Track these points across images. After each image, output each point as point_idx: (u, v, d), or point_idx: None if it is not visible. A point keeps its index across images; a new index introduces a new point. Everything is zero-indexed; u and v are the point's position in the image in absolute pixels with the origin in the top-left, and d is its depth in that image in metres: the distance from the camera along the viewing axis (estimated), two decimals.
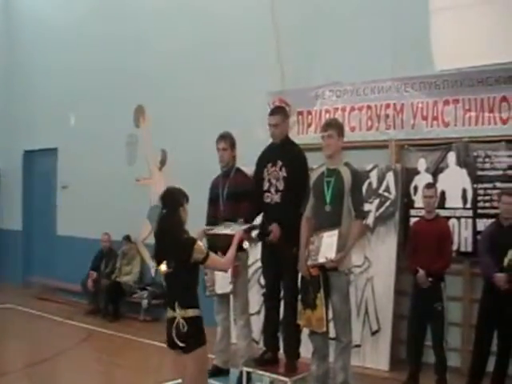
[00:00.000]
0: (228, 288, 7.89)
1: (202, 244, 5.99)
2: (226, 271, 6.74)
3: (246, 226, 7.29)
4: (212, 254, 5.98)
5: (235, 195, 8.14)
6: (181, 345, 5.79)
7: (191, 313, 5.83)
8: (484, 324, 8.05)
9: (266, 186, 7.73)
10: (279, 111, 8.03)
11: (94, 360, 10.45)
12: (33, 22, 17.19)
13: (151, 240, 13.46)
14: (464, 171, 9.19)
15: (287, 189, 7.58)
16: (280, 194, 7.62)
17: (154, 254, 6.20)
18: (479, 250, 8.29)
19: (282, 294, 7.80)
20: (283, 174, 7.62)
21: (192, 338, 5.81)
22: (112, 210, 13.99)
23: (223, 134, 8.49)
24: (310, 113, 10.80)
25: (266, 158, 7.89)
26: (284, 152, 7.76)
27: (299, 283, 7.36)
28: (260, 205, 7.77)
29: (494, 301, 7.84)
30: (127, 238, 13.72)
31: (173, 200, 6.07)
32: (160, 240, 6.07)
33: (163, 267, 5.91)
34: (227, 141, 8.39)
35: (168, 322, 5.92)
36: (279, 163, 7.67)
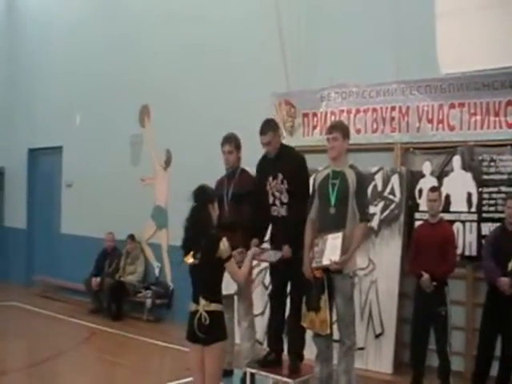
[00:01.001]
0: (232, 289, 7.88)
1: (227, 244, 6.06)
2: (238, 282, 6.80)
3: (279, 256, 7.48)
4: (233, 259, 6.12)
5: (240, 196, 8.13)
6: (201, 336, 5.90)
7: (214, 307, 5.98)
8: (487, 328, 8.05)
9: (270, 199, 7.74)
10: (268, 127, 7.88)
11: (96, 359, 10.47)
12: (37, 23, 17.23)
13: (155, 240, 13.62)
14: (469, 175, 9.17)
15: (292, 201, 7.60)
16: (285, 206, 7.65)
17: (181, 244, 6.27)
18: (483, 254, 8.29)
19: (288, 295, 7.81)
20: (285, 186, 7.63)
21: (213, 331, 5.95)
22: (116, 210, 14.01)
23: (228, 136, 8.46)
24: (315, 115, 10.79)
25: (266, 171, 7.86)
26: (282, 163, 7.73)
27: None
28: (268, 217, 7.83)
29: (498, 305, 7.84)
30: (131, 237, 13.72)
31: (203, 195, 6.24)
32: (188, 231, 6.20)
33: (190, 259, 6.03)
34: (232, 143, 8.37)
35: (190, 315, 6.05)
36: (280, 176, 7.66)
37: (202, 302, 5.95)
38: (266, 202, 7.77)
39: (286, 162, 7.74)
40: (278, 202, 7.69)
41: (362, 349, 9.31)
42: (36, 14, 17.37)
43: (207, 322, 5.88)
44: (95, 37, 15.18)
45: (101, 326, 12.37)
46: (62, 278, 15.54)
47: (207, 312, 5.92)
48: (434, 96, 9.51)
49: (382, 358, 9.40)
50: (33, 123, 17.10)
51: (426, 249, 8.18)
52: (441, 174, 9.40)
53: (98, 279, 13.74)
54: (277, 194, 7.68)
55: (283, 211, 7.67)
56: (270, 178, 7.73)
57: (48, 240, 16.81)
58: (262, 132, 7.82)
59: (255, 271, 8.99)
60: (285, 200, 7.64)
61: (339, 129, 7.36)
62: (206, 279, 6.07)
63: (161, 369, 9.77)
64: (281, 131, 8.44)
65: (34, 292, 15.88)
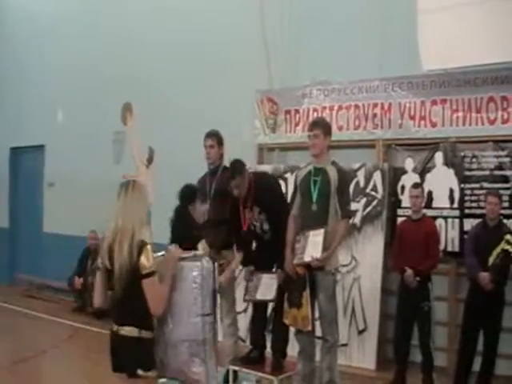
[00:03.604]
0: (269, 295, 7.75)
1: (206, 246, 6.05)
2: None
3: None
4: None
5: (222, 194, 8.11)
6: None
7: None
8: (469, 324, 8.09)
9: (252, 227, 7.78)
10: (235, 172, 7.62)
11: (79, 357, 10.42)
12: (22, 20, 17.07)
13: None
14: (451, 171, 9.22)
15: (274, 227, 7.61)
16: (269, 232, 7.67)
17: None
18: (465, 250, 8.33)
19: None
20: (264, 216, 7.65)
21: None
22: (99, 208, 13.84)
23: (210, 131, 8.47)
24: (297, 111, 10.81)
25: (239, 204, 7.80)
26: (255, 195, 7.66)
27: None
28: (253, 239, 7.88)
29: (479, 300, 7.88)
30: None
31: (182, 196, 6.42)
32: (172, 233, 6.34)
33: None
34: (214, 138, 8.36)
35: None
36: (256, 209, 7.67)
37: None
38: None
39: (258, 193, 7.65)
40: (259, 231, 7.74)
41: (345, 345, 9.32)
42: (20, 10, 17.24)
43: None
44: (77, 34, 15.08)
45: (84, 324, 12.32)
46: (45, 276, 15.47)
47: None
48: (416, 92, 9.55)
49: (365, 354, 9.42)
50: (14, 122, 16.97)
51: (409, 245, 8.21)
52: (423, 171, 9.44)
53: (81, 279, 13.69)
54: (257, 224, 7.71)
55: (268, 236, 7.71)
56: (246, 211, 7.72)
57: (31, 239, 16.68)
58: (233, 176, 7.59)
59: (237, 269, 8.95)
60: (266, 227, 7.67)
61: (321, 126, 7.34)
62: None
63: None
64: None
65: (16, 291, 15.77)
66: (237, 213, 7.75)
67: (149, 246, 5.08)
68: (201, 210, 6.51)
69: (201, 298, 5.51)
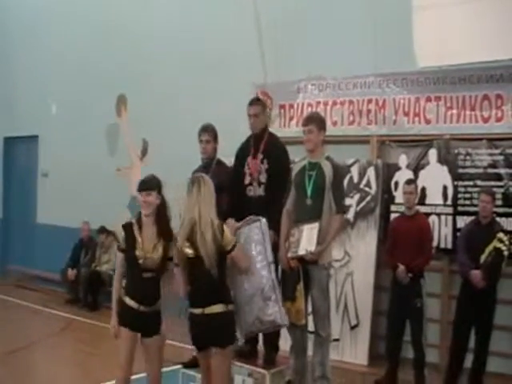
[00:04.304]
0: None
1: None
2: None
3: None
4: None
5: (217, 187, 8.08)
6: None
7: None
8: (461, 321, 8.12)
9: (247, 180, 7.63)
10: (258, 102, 7.90)
11: (72, 349, 10.44)
12: (15, 11, 17.02)
13: None
14: (445, 168, 9.24)
15: (270, 181, 7.46)
16: (263, 186, 7.48)
17: None
18: (457, 247, 8.36)
19: None
20: (265, 166, 7.50)
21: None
22: (92, 200, 13.95)
23: (206, 125, 8.42)
24: (291, 106, 10.82)
25: (246, 151, 7.74)
26: (264, 144, 7.64)
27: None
28: (242, 198, 7.73)
29: (471, 298, 7.92)
30: (101, 230, 13.68)
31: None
32: None
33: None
34: (210, 133, 8.32)
35: None
36: (260, 156, 7.59)
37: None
38: (239, 183, 7.69)
39: (268, 143, 7.63)
40: (255, 183, 7.55)
41: (337, 340, 9.36)
42: (13, 4, 17.20)
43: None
44: (72, 26, 15.07)
45: (77, 316, 12.34)
46: (38, 267, 15.47)
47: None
48: (411, 89, 9.56)
49: (357, 350, 9.46)
50: (8, 112, 16.97)
51: (402, 241, 8.25)
52: (417, 167, 9.46)
53: (75, 270, 13.69)
54: (255, 174, 7.57)
55: (260, 191, 7.49)
56: (249, 158, 7.61)
57: (24, 230, 16.72)
58: (252, 103, 7.74)
59: None
60: (263, 180, 7.48)
61: (315, 121, 7.32)
62: None
63: (136, 359, 9.74)
64: (272, 115, 8.30)
65: (9, 282, 15.79)
66: (242, 166, 7.72)
67: (225, 226, 6.02)
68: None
69: (264, 249, 6.58)
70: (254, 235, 6.64)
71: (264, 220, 6.67)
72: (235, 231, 6.50)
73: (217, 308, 5.88)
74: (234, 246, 6.00)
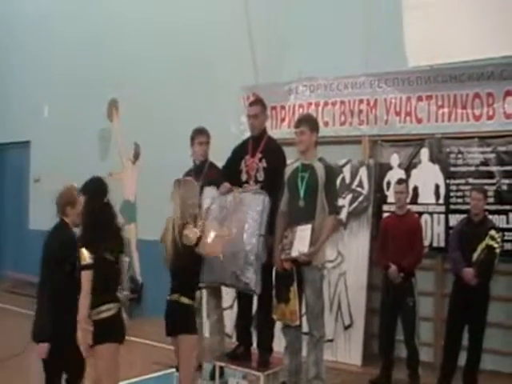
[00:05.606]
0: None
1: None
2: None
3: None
4: None
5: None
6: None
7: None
8: (454, 319, 8.11)
9: (244, 177, 7.65)
10: (258, 102, 7.96)
11: None
12: (6, 16, 17.03)
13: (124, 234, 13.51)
14: (437, 167, 9.25)
15: (267, 179, 7.50)
16: (260, 184, 7.51)
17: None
18: (450, 245, 8.36)
19: None
20: (263, 164, 7.54)
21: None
22: None
23: (201, 128, 8.46)
24: (283, 107, 10.81)
25: (244, 150, 7.78)
26: (264, 144, 7.68)
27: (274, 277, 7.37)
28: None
29: (464, 296, 7.92)
30: None
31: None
32: None
33: None
34: (205, 135, 8.39)
35: None
36: (259, 155, 7.61)
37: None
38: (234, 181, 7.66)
39: (267, 144, 7.69)
40: (251, 181, 7.58)
41: (331, 340, 9.35)
42: (4, 7, 17.18)
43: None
44: (64, 30, 15.05)
45: None
46: (31, 273, 15.39)
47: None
48: (402, 88, 9.57)
49: (351, 350, 9.46)
50: (1, 118, 16.93)
51: (393, 240, 8.26)
52: (409, 166, 9.47)
53: None
54: (252, 172, 7.59)
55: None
56: (247, 157, 7.65)
57: (16, 235, 16.68)
58: (252, 103, 7.88)
59: None
60: (260, 178, 7.53)
61: (307, 122, 7.35)
62: None
63: (130, 363, 9.74)
64: (266, 111, 8.29)
65: (1, 287, 15.73)
66: (238, 164, 7.74)
67: (188, 225, 6.25)
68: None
69: (261, 220, 7.14)
70: (256, 205, 7.17)
71: (268, 198, 7.17)
72: (227, 191, 7.35)
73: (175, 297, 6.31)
74: (199, 238, 6.23)
